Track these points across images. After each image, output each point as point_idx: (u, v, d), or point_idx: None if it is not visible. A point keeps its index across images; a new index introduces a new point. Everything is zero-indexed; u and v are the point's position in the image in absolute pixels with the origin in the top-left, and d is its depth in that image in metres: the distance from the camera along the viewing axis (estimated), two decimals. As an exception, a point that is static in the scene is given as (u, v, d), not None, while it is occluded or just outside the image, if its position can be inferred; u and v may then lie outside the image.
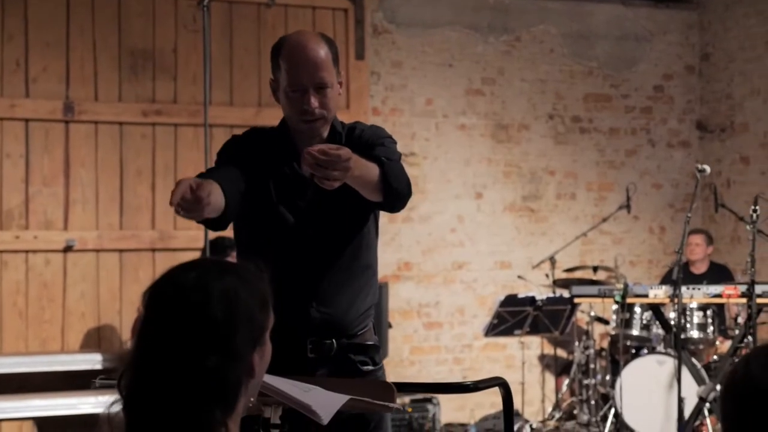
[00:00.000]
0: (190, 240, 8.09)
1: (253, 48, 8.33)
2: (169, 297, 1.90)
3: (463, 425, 8.69)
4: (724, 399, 1.91)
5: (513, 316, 8.12)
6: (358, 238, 3.37)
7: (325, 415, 2.41)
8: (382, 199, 3.20)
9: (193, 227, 8.12)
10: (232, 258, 7.60)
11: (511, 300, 8.28)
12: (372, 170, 3.13)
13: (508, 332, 8.16)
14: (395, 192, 3.20)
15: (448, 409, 8.75)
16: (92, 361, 7.51)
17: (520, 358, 8.87)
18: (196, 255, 7.62)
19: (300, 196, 3.33)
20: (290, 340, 3.14)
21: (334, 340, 3.28)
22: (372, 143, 3.34)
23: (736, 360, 1.85)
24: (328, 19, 8.74)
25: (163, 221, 8.16)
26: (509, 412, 2.93)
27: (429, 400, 8.32)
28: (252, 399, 1.97)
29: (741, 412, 1.83)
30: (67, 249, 7.90)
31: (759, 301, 6.95)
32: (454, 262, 9.30)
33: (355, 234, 3.37)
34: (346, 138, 3.37)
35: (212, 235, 6.61)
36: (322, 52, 3.27)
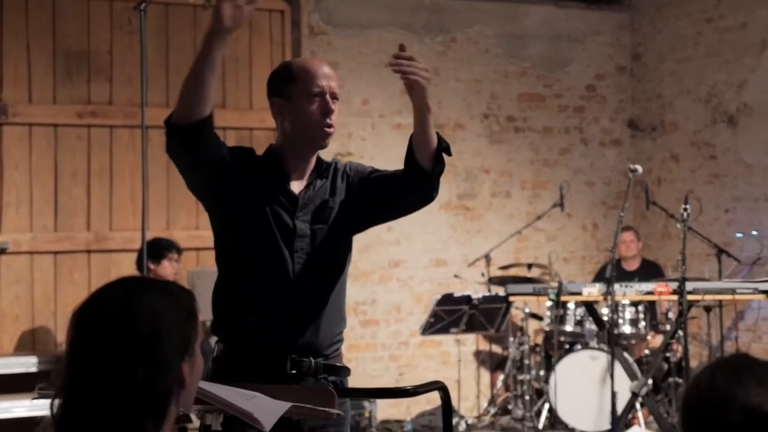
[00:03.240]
0: (125, 241, 8.06)
1: (189, 49, 8.32)
2: (94, 316, 1.95)
3: (399, 422, 8.76)
4: (687, 410, 1.92)
5: (449, 315, 8.21)
6: (341, 262, 3.48)
7: (267, 423, 2.46)
8: (431, 167, 3.34)
9: (129, 228, 8.10)
10: (170, 259, 7.61)
11: (447, 299, 8.36)
12: (434, 131, 3.35)
13: (444, 330, 8.23)
14: (441, 168, 3.37)
15: (385, 405, 8.82)
16: (27, 363, 7.46)
17: (456, 354, 8.96)
18: (132, 256, 7.60)
19: (291, 217, 3.40)
20: (271, 357, 3.31)
21: (311, 359, 3.36)
22: (365, 170, 3.53)
23: (699, 370, 1.83)
24: (264, 21, 8.75)
25: (99, 223, 8.12)
26: (448, 416, 2.99)
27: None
28: (182, 409, 2.02)
29: (706, 424, 1.85)
30: (1, 252, 7.84)
31: (689, 297, 7.11)
32: (391, 260, 9.37)
33: (338, 258, 3.48)
34: (328, 169, 3.51)
35: (150, 236, 6.60)
36: (331, 69, 3.46)
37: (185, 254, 7.86)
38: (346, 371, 3.49)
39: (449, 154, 3.38)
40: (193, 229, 8.29)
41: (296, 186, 3.44)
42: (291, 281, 3.36)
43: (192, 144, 3.22)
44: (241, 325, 3.35)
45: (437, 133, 3.36)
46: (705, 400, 1.88)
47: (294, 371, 3.32)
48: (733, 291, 7.24)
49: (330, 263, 3.45)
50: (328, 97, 3.37)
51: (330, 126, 3.39)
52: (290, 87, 3.40)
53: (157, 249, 7.42)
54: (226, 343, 3.40)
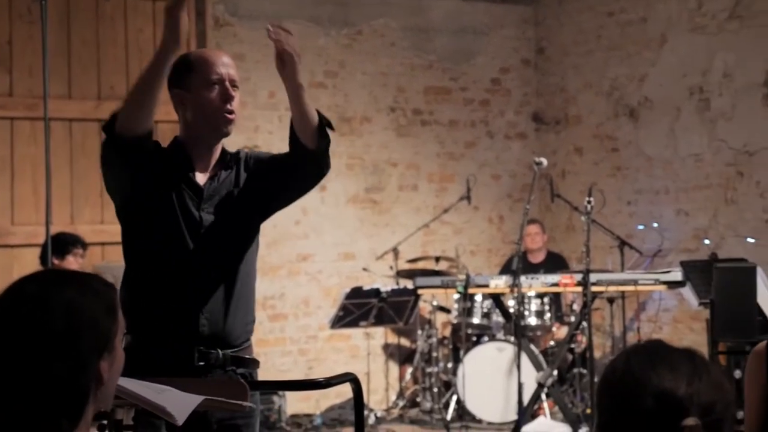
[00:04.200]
0: (28, 236, 7.90)
1: (91, 40, 8.19)
2: (9, 311, 1.90)
3: (308, 416, 8.74)
4: (602, 393, 1.95)
5: (358, 308, 8.22)
6: (247, 253, 3.48)
7: (180, 416, 2.43)
8: (315, 145, 3.36)
9: (31, 223, 7.95)
10: (75, 255, 7.48)
11: (356, 292, 8.37)
12: (313, 109, 3.38)
13: (353, 324, 8.25)
14: (326, 143, 3.39)
15: (294, 400, 8.79)
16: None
17: (365, 348, 8.98)
18: (35, 251, 7.46)
19: (197, 208, 3.41)
20: (179, 348, 3.30)
21: (219, 350, 3.35)
22: (264, 155, 3.57)
23: (614, 356, 1.89)
24: (169, 12, 8.65)
25: (0, 217, 7.96)
26: (360, 407, 3.00)
27: (275, 392, 8.35)
28: (101, 406, 1.98)
29: (620, 407, 1.88)
30: None
31: (593, 289, 7.22)
32: (299, 254, 9.35)
33: (245, 248, 3.48)
34: (234, 159, 3.51)
35: (53, 230, 6.48)
36: (230, 58, 3.48)
37: (90, 249, 7.73)
38: (255, 363, 3.48)
39: (332, 128, 3.42)
40: (98, 224, 8.16)
41: (201, 177, 3.45)
42: (197, 273, 3.36)
43: (132, 154, 3.25)
44: (148, 318, 3.34)
45: (317, 111, 3.39)
46: (619, 384, 1.91)
47: (202, 363, 3.31)
48: (635, 282, 7.39)
49: (237, 254, 3.45)
50: (227, 84, 3.39)
51: (231, 113, 3.40)
52: (189, 77, 3.41)
53: (62, 244, 7.29)
54: (133, 336, 3.37)
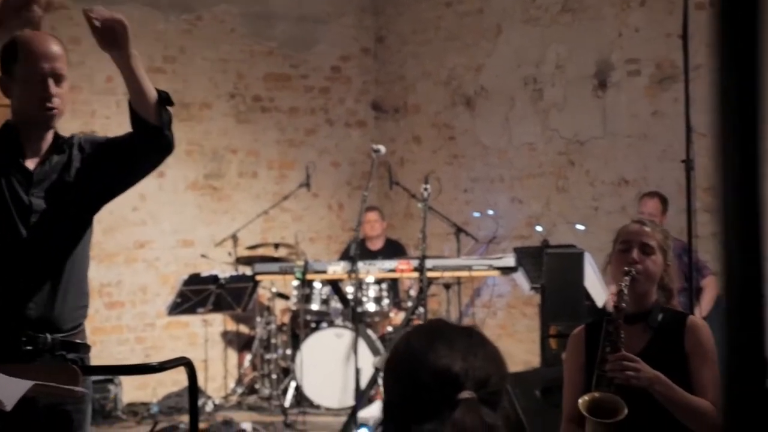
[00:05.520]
0: None
1: None
2: None
3: (145, 404, 8.66)
4: (387, 372, 2.03)
5: (196, 295, 8.17)
6: (77, 239, 3.45)
7: (9, 402, 2.40)
8: (158, 119, 3.32)
9: None
10: None
11: (194, 279, 8.32)
12: (150, 83, 3.33)
13: (191, 310, 8.20)
14: (169, 117, 3.36)
15: (130, 388, 8.70)
16: None
17: (203, 335, 8.93)
18: None
19: (26, 193, 3.37)
20: (5, 333, 3.27)
21: (48, 335, 3.32)
22: (100, 139, 3.54)
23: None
24: (0, -8, 8.42)
25: None
26: (194, 391, 3.01)
27: (110, 380, 8.25)
28: None
29: (402, 385, 1.95)
30: None
31: (429, 275, 7.35)
32: (136, 241, 9.23)
33: (77, 233, 3.45)
34: (67, 144, 3.47)
35: None
36: (58, 47, 3.40)
37: None
38: (86, 348, 3.46)
39: (171, 103, 3.40)
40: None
41: (31, 162, 3.41)
42: (26, 257, 3.33)
43: None
44: None
45: (156, 89, 3.38)
46: (401, 363, 1.99)
47: (29, 347, 3.29)
48: (469, 268, 7.56)
49: (68, 239, 3.43)
50: (49, 81, 3.34)
51: (51, 109, 3.37)
52: (14, 66, 3.39)
53: None
54: None
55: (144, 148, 3.40)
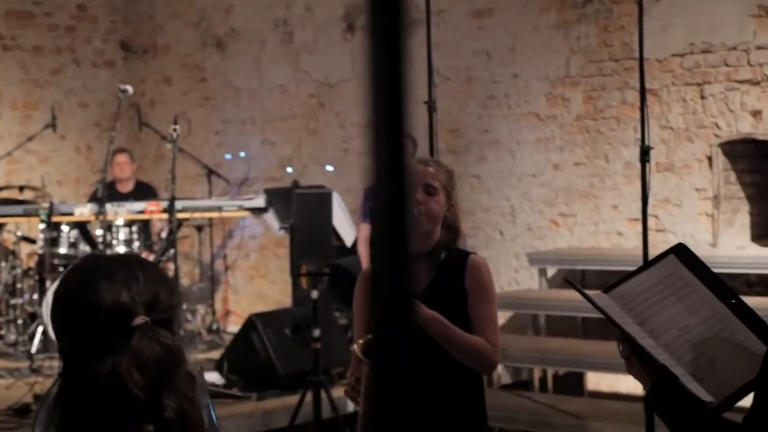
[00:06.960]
0: None
1: None
2: None
3: None
4: (56, 324, 1.98)
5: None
6: None
7: None
8: None
9: None
10: None
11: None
12: None
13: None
14: None
15: None
16: None
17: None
18: None
19: None
20: None
21: None
22: None
23: None
24: None
25: None
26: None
27: None
28: None
29: (74, 330, 1.93)
30: None
31: (179, 216, 7.34)
32: None
33: None
34: None
35: None
36: None
37: None
38: None
39: None
40: None
41: None
42: None
43: None
44: None
45: None
46: (64, 309, 1.97)
47: None
48: (219, 209, 7.59)
49: None
50: None
51: None
52: None
53: None
54: None
55: None
